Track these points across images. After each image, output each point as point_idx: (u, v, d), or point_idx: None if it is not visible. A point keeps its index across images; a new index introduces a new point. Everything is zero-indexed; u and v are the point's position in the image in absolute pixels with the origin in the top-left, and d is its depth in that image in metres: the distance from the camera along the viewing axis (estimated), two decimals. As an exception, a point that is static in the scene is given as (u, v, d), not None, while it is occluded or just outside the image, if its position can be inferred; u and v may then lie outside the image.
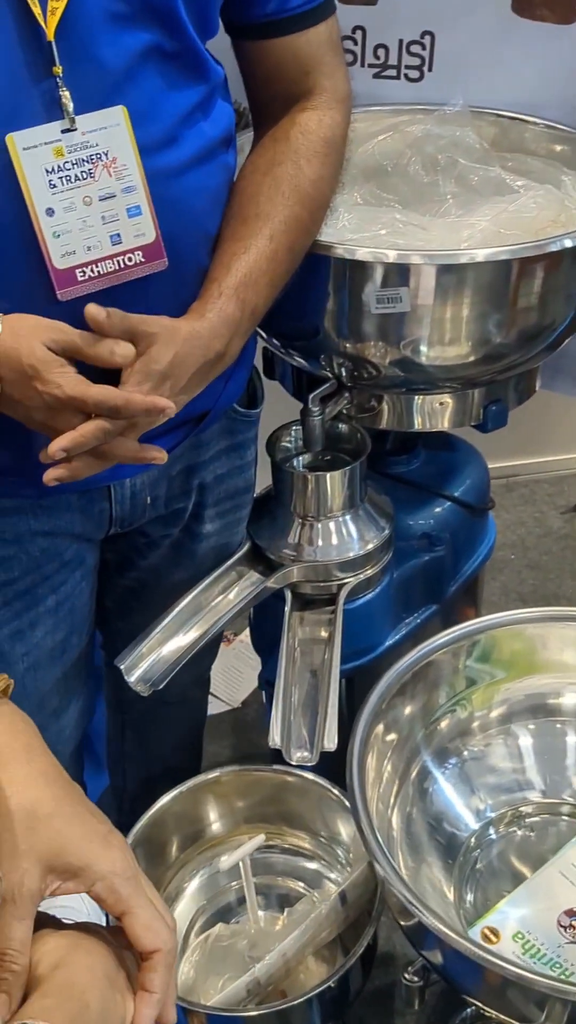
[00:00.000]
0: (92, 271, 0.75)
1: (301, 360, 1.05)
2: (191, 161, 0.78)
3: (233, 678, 1.71)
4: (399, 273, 0.89)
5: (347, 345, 0.96)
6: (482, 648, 0.99)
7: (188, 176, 0.78)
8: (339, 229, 1.00)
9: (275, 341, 1.06)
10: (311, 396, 0.96)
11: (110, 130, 0.72)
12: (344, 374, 0.99)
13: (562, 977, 0.83)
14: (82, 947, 0.54)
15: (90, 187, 0.73)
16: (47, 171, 0.71)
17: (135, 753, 1.24)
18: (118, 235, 0.75)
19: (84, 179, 0.73)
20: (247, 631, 1.76)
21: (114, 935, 0.57)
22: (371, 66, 1.19)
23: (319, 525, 1.00)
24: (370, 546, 1.02)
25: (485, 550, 1.24)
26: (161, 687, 0.92)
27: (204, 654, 1.00)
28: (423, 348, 0.95)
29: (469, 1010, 0.86)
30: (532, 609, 1.00)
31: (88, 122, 0.71)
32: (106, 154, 0.73)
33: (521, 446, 2.09)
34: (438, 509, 1.15)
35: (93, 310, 0.71)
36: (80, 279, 0.74)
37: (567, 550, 2.00)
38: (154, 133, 0.75)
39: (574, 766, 1.00)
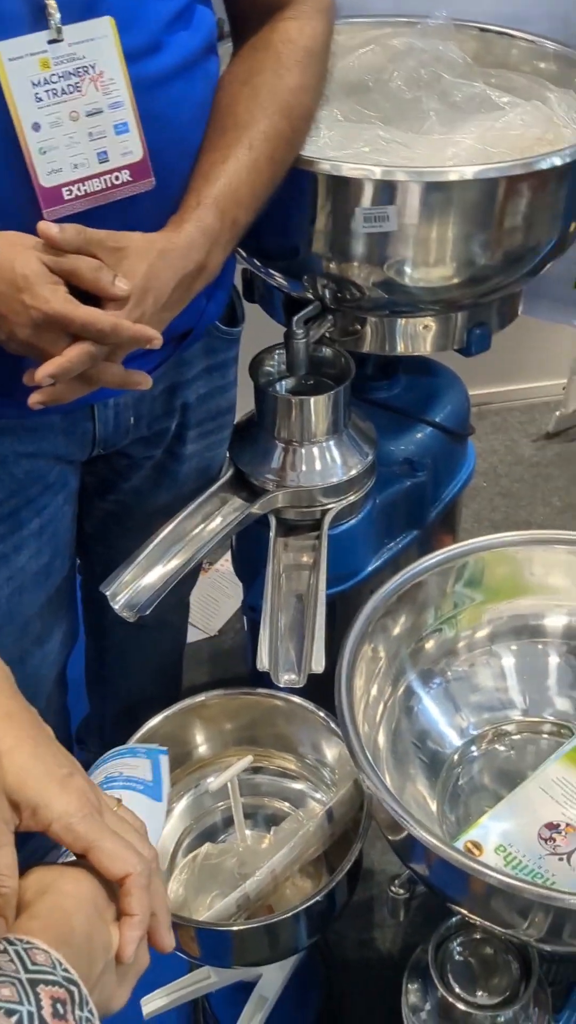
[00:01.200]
0: (79, 190, 0.73)
1: (283, 281, 1.03)
2: (175, 69, 0.76)
3: (209, 607, 1.71)
4: (387, 191, 0.87)
5: (331, 265, 0.95)
6: (470, 571, 1.00)
7: (173, 86, 0.76)
8: (320, 146, 0.97)
9: (256, 262, 1.04)
10: (295, 318, 0.95)
11: (97, 42, 0.70)
12: (327, 296, 0.98)
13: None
14: (68, 876, 0.54)
15: (77, 102, 0.71)
16: (33, 83, 0.69)
17: (115, 679, 1.24)
18: (105, 153, 0.73)
19: (71, 93, 0.71)
20: (223, 560, 1.77)
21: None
22: (352, -27, 1.15)
23: (303, 450, 1.00)
24: (354, 471, 1.01)
25: (464, 476, 1.25)
26: (146, 613, 0.92)
27: (185, 579, 1.00)
28: (407, 269, 0.93)
29: (453, 919, 0.89)
30: (518, 532, 1.01)
31: (74, 33, 0.69)
32: (93, 67, 0.71)
33: (493, 374, 2.09)
34: (419, 435, 1.15)
35: (43, 227, 0.68)
36: (67, 198, 0.72)
37: (538, 478, 2.01)
38: (138, 40, 0.73)
39: (555, 686, 1.02)
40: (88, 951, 0.51)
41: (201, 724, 1.02)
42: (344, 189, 0.88)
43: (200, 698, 1.01)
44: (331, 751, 0.99)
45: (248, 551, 1.09)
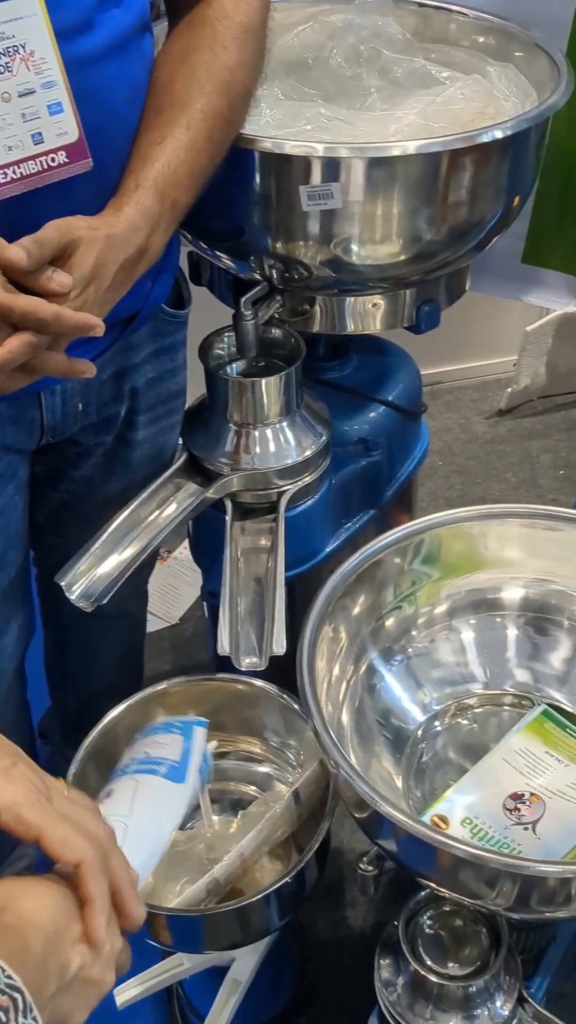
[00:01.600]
0: (14, 172, 0.71)
1: (230, 263, 1.02)
2: (108, 48, 0.74)
3: (170, 595, 1.71)
4: (330, 168, 0.86)
5: (277, 245, 0.94)
6: (427, 548, 1.00)
7: (107, 65, 0.75)
8: (262, 125, 0.96)
9: (203, 244, 1.03)
10: (243, 299, 0.94)
11: (25, 20, 0.69)
12: (275, 276, 0.97)
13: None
14: (30, 893, 0.54)
15: (8, 82, 0.70)
16: (-39, 64, 0.67)
17: (76, 671, 1.23)
18: (39, 134, 0.72)
19: (2, 73, 0.69)
20: (181, 548, 1.76)
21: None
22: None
23: (256, 433, 0.99)
24: (308, 452, 1.01)
25: (419, 454, 1.25)
26: (103, 602, 0.91)
27: (142, 567, 0.99)
28: (354, 247, 0.93)
29: (422, 893, 0.89)
30: (473, 507, 1.01)
31: (1, 11, 0.67)
32: (23, 46, 0.69)
33: (445, 353, 2.10)
34: (373, 414, 1.15)
35: (13, 255, 0.67)
36: (1, 181, 0.71)
37: (492, 455, 2.03)
38: (68, 17, 0.71)
39: (514, 658, 1.03)
40: (42, 973, 0.51)
41: (164, 712, 1.01)
42: (287, 167, 0.88)
43: (162, 686, 1.00)
44: (295, 733, 0.99)
45: (205, 536, 1.08)
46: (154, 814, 0.72)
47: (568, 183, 1.23)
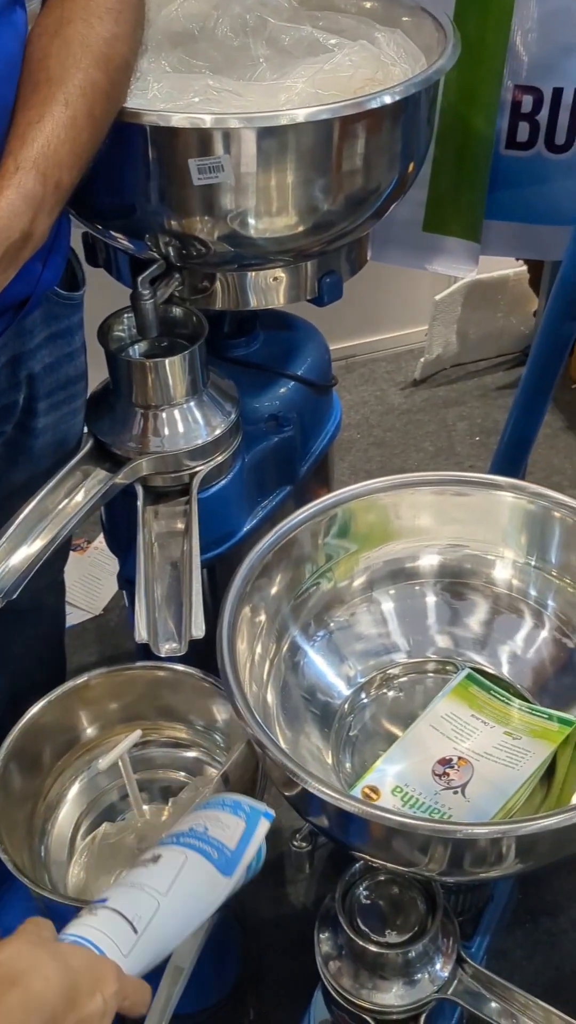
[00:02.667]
0: None
1: (126, 243, 1.00)
2: None
3: (91, 586, 1.68)
4: (219, 139, 0.85)
5: (172, 222, 0.92)
6: (340, 523, 1.00)
7: None
8: (150, 100, 0.94)
9: (96, 225, 1.00)
10: (140, 278, 0.92)
11: None
12: (172, 253, 0.95)
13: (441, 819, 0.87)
14: (41, 972, 0.53)
15: None
16: None
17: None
18: None
19: None
20: (101, 538, 1.73)
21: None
22: None
23: (163, 414, 0.97)
24: (218, 431, 0.99)
25: (333, 428, 1.24)
26: (14, 596, 0.88)
27: (55, 558, 0.96)
28: (251, 220, 0.91)
29: (357, 865, 0.90)
30: (382, 478, 1.01)
31: None
32: None
33: (357, 326, 2.10)
34: (282, 390, 1.14)
35: None
36: None
37: (409, 425, 2.04)
38: None
39: (435, 625, 1.03)
40: None
41: (86, 706, 0.99)
42: (174, 141, 0.85)
43: (83, 679, 0.98)
44: (221, 715, 0.99)
45: (118, 523, 1.06)
46: (190, 903, 0.67)
47: (463, 148, 1.24)
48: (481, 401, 2.08)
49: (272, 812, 0.75)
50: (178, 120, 0.84)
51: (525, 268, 1.99)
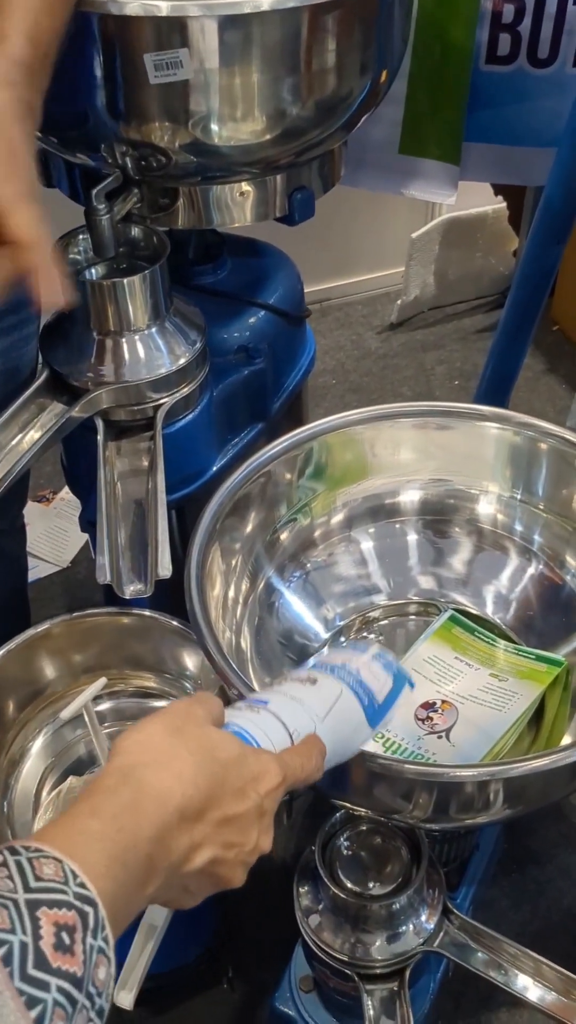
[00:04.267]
0: None
1: (84, 157, 0.92)
2: None
3: (58, 538, 1.61)
4: (177, 30, 0.77)
5: (128, 128, 0.84)
6: (316, 458, 0.94)
7: None
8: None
9: (49, 138, 0.92)
10: (94, 192, 0.84)
11: None
12: (130, 165, 0.87)
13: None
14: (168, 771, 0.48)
15: None
16: None
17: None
18: None
19: None
20: (67, 489, 1.66)
21: None
22: None
23: (123, 341, 0.90)
24: (183, 360, 0.93)
25: (306, 362, 1.18)
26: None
27: (13, 500, 0.91)
28: (214, 126, 0.84)
29: (337, 815, 0.85)
30: (360, 410, 0.96)
31: None
32: None
33: (331, 267, 2.03)
34: (252, 319, 1.07)
35: None
36: None
37: (386, 369, 1.98)
38: None
39: (417, 565, 0.98)
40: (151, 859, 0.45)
41: (49, 656, 0.93)
42: (128, 32, 0.78)
43: (44, 626, 0.92)
44: (192, 661, 0.93)
45: (78, 462, 1.00)
46: (338, 738, 0.62)
47: (442, 62, 1.16)
48: (460, 344, 2.02)
49: (415, 682, 0.71)
50: (132, 8, 0.76)
51: (504, 205, 1.93)
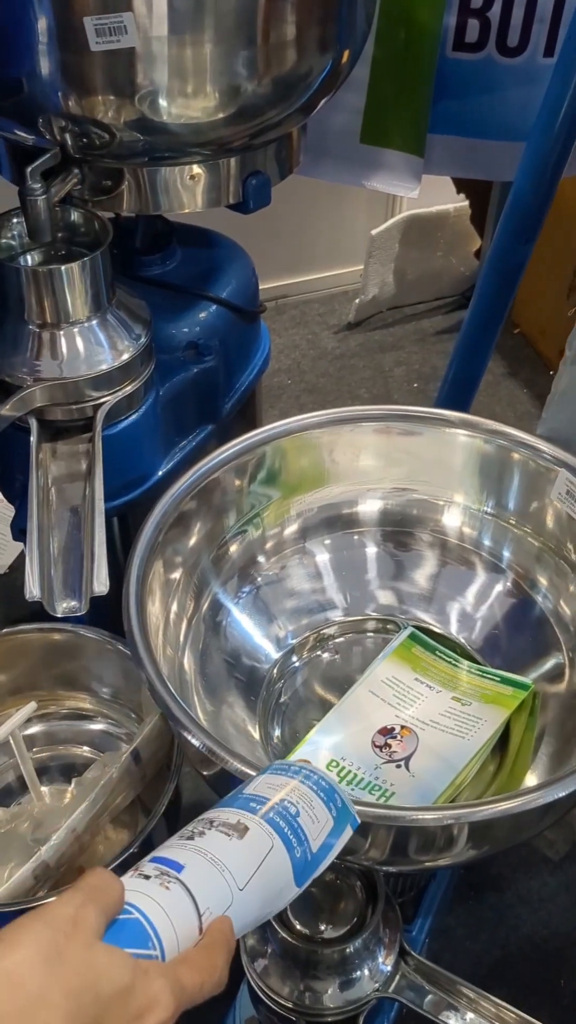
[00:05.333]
0: None
1: (19, 132, 0.85)
2: None
3: (-4, 542, 1.53)
4: (120, -8, 0.70)
5: (67, 100, 0.77)
6: (269, 464, 0.88)
7: None
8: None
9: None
10: (29, 170, 0.77)
11: None
12: (70, 142, 0.80)
13: (382, 801, 0.76)
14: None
15: None
16: None
17: None
18: None
19: None
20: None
21: None
22: None
23: (60, 334, 0.83)
24: (125, 356, 0.86)
25: (260, 360, 1.12)
26: None
27: None
28: (162, 101, 0.77)
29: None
30: (317, 412, 0.89)
31: None
32: None
33: (287, 264, 1.97)
34: (203, 314, 1.00)
35: None
36: None
37: (343, 369, 1.92)
38: None
39: (375, 579, 0.92)
40: None
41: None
42: (66, -8, 0.70)
43: (-35, 645, 0.85)
44: (130, 682, 0.86)
45: (11, 464, 0.92)
46: (262, 902, 0.53)
47: (407, 47, 1.11)
48: (419, 346, 1.97)
49: (359, 820, 0.61)
50: (70, -36, 0.69)
51: (467, 203, 1.88)
